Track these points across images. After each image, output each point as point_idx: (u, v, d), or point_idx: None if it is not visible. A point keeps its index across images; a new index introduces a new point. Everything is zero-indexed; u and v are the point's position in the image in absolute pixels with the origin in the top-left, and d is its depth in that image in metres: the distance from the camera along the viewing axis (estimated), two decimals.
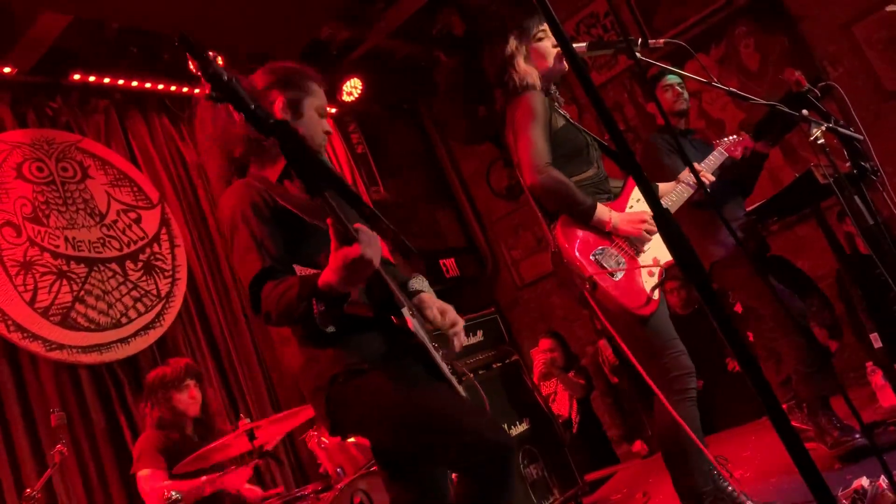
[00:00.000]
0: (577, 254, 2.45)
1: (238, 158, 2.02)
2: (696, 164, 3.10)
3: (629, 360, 2.51)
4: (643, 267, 2.53)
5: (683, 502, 2.53)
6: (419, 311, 2.07)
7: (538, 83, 2.69)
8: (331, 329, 1.78)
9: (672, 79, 3.68)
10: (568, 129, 2.66)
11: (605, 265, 2.46)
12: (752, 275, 3.41)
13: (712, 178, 3.14)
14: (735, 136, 3.40)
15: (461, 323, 2.13)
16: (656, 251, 2.59)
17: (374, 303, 1.94)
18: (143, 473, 3.32)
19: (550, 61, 2.72)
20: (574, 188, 2.55)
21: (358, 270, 1.65)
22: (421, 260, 6.18)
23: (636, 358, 2.42)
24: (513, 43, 2.71)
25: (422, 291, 2.15)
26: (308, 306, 1.69)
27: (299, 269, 1.76)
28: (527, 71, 2.69)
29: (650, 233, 2.58)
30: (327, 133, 2.10)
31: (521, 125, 2.60)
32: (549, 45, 2.72)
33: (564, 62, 2.71)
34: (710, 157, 3.28)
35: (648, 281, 2.51)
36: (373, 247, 1.66)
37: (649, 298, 2.47)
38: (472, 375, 4.00)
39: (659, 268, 2.53)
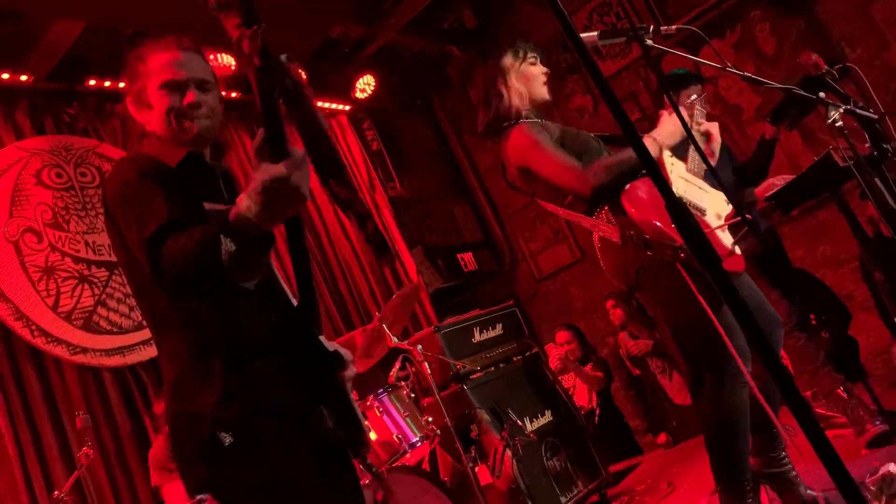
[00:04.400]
0: (659, 223, 2.32)
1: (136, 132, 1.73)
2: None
3: (694, 344, 2.48)
4: (719, 227, 2.46)
5: (717, 482, 2.50)
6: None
7: (525, 105, 2.67)
8: (248, 284, 1.49)
9: (694, 91, 3.63)
10: (565, 136, 2.62)
11: None
12: (752, 276, 3.39)
13: (717, 136, 3.02)
14: (696, 96, 3.30)
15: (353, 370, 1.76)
16: (716, 206, 2.55)
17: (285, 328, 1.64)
18: (166, 488, 3.34)
19: (538, 87, 2.69)
20: (615, 158, 2.48)
21: (281, 196, 1.34)
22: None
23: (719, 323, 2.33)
24: (508, 59, 2.68)
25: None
26: (215, 248, 1.34)
27: None
28: (516, 89, 2.67)
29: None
30: (191, 106, 1.67)
31: (534, 157, 2.54)
32: (538, 72, 2.70)
33: (546, 90, 2.69)
34: (695, 114, 3.21)
35: (726, 238, 2.46)
36: (302, 172, 1.36)
37: (731, 252, 2.42)
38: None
39: (726, 223, 2.48)
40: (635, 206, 2.38)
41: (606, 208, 2.50)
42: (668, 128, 2.54)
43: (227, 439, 1.49)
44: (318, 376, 1.62)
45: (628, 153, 2.45)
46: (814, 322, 3.94)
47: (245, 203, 1.35)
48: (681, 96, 3.63)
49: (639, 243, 2.39)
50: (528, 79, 2.69)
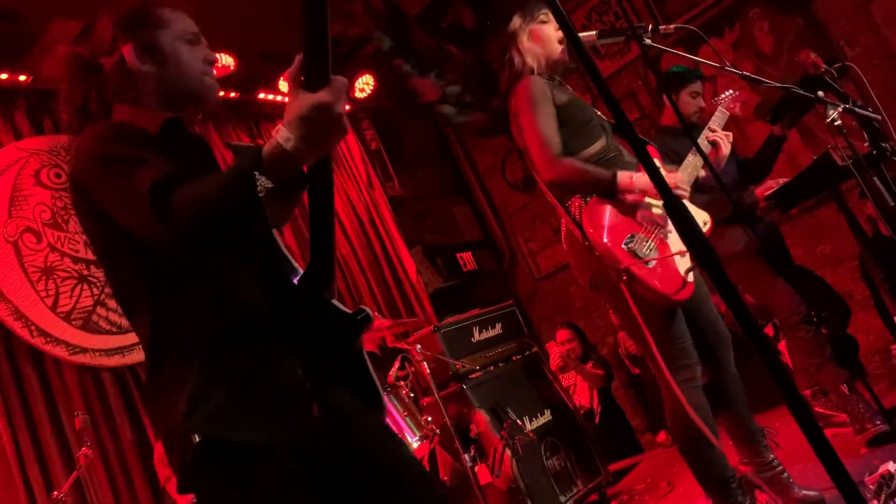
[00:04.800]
0: (608, 243, 2.39)
1: (99, 98, 1.51)
2: (709, 127, 3.03)
3: (647, 351, 2.49)
4: (675, 254, 2.47)
5: (705, 490, 2.52)
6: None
7: (540, 65, 2.67)
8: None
9: (698, 86, 3.64)
10: (572, 104, 2.61)
11: (639, 253, 2.40)
12: (752, 270, 3.40)
13: (726, 153, 3.04)
14: (731, 92, 3.31)
15: None
16: None
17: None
18: (173, 483, 3.34)
19: (551, 46, 2.68)
20: (589, 169, 2.50)
21: (323, 126, 1.25)
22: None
23: (656, 345, 2.38)
24: (517, 21, 2.70)
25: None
26: (250, 184, 1.20)
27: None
28: (529, 49, 2.67)
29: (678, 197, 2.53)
30: (210, 62, 1.59)
31: (524, 117, 2.57)
32: (551, 30, 2.69)
33: (561, 48, 2.69)
34: (714, 117, 3.20)
35: (682, 264, 2.47)
36: (343, 102, 1.29)
37: (685, 282, 2.43)
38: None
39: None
40: (591, 223, 2.44)
41: (578, 202, 2.52)
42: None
43: (200, 462, 1.30)
44: (324, 354, 1.46)
45: (600, 174, 2.49)
46: (815, 319, 3.94)
47: (284, 134, 1.23)
48: (681, 94, 3.63)
49: (591, 252, 2.45)
50: (539, 38, 2.69)
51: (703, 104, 3.67)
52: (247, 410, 1.33)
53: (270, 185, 1.22)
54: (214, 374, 1.33)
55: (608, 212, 2.47)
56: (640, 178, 2.50)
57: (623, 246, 2.40)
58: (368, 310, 1.52)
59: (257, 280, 1.43)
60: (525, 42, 2.68)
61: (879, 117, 2.84)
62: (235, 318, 1.38)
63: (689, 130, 3.28)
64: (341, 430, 1.45)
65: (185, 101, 1.56)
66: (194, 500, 1.38)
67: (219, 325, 1.36)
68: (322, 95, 1.24)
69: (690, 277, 2.45)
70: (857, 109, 2.76)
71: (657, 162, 2.68)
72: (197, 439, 1.28)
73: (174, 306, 1.37)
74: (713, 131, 2.98)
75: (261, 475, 1.31)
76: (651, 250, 2.44)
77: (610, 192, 2.48)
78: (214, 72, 1.60)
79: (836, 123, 2.65)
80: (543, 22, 2.70)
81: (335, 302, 1.51)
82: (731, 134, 3.02)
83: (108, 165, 1.33)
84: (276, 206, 1.28)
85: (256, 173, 1.21)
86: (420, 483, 1.51)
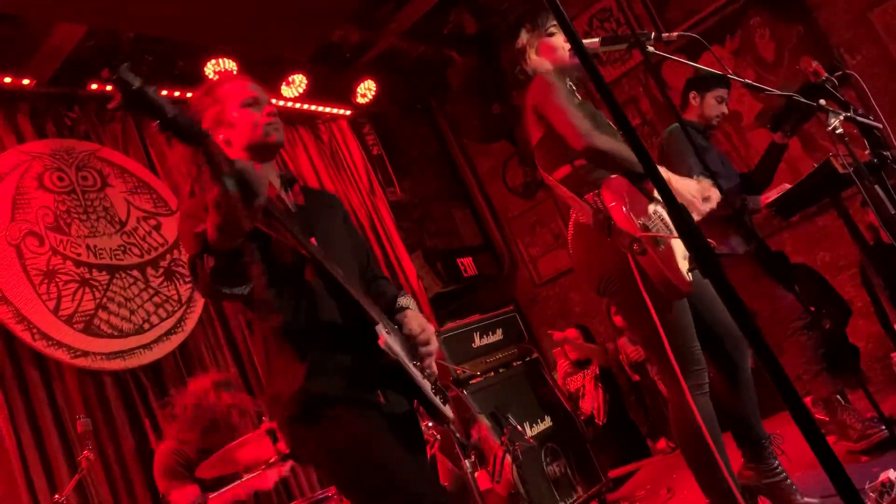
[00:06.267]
0: (628, 212, 2.37)
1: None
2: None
3: (654, 353, 2.49)
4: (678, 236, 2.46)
5: (707, 496, 2.52)
6: (400, 327, 2.01)
7: (550, 73, 2.68)
8: (276, 317, 1.82)
9: (724, 92, 3.69)
10: (585, 106, 2.62)
11: (654, 231, 2.40)
12: (753, 276, 3.40)
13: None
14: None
15: (435, 344, 2.05)
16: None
17: (347, 320, 1.88)
18: (173, 495, 3.34)
19: (562, 55, 2.68)
20: (625, 149, 2.48)
21: (225, 210, 1.49)
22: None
23: (666, 337, 2.36)
24: (524, 37, 2.70)
25: (407, 308, 2.08)
26: (199, 269, 1.62)
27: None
28: (539, 63, 2.68)
29: (696, 208, 2.54)
30: (272, 115, 1.98)
31: (547, 100, 2.54)
32: (560, 40, 2.69)
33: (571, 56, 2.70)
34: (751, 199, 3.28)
35: (682, 264, 2.48)
36: (244, 180, 1.50)
37: (684, 277, 2.44)
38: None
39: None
40: (612, 193, 2.43)
41: (604, 188, 2.49)
42: (684, 182, 2.58)
43: (298, 420, 1.82)
44: (378, 364, 1.85)
45: (629, 151, 2.45)
46: (812, 309, 3.95)
47: (207, 224, 1.55)
48: (707, 96, 3.66)
49: (604, 226, 2.42)
50: (549, 49, 2.69)
51: (725, 110, 3.71)
52: (332, 376, 1.84)
53: (212, 264, 1.60)
54: (312, 363, 1.84)
55: (623, 189, 2.46)
56: (673, 177, 2.54)
57: (639, 221, 2.40)
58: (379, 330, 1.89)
59: (320, 307, 1.89)
60: (534, 57, 2.68)
61: (880, 125, 2.85)
62: (313, 328, 1.87)
63: (694, 143, 3.30)
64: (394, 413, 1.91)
65: (253, 154, 1.96)
66: (287, 433, 1.90)
67: (302, 334, 1.86)
68: (215, 189, 1.49)
69: (690, 276, 2.45)
70: (858, 118, 2.77)
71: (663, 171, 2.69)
72: (309, 396, 1.81)
73: (268, 319, 1.86)
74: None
75: (349, 417, 1.82)
76: (663, 231, 2.44)
77: (639, 174, 2.47)
78: (276, 121, 1.99)
79: (837, 131, 2.66)
80: (552, 34, 2.69)
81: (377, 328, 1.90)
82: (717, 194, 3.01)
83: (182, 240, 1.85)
84: (226, 277, 1.64)
85: (206, 254, 1.60)
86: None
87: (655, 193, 2.48)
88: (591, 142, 2.45)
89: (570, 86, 2.69)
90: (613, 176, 2.47)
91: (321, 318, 1.86)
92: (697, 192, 2.55)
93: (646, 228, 2.39)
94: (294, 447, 1.89)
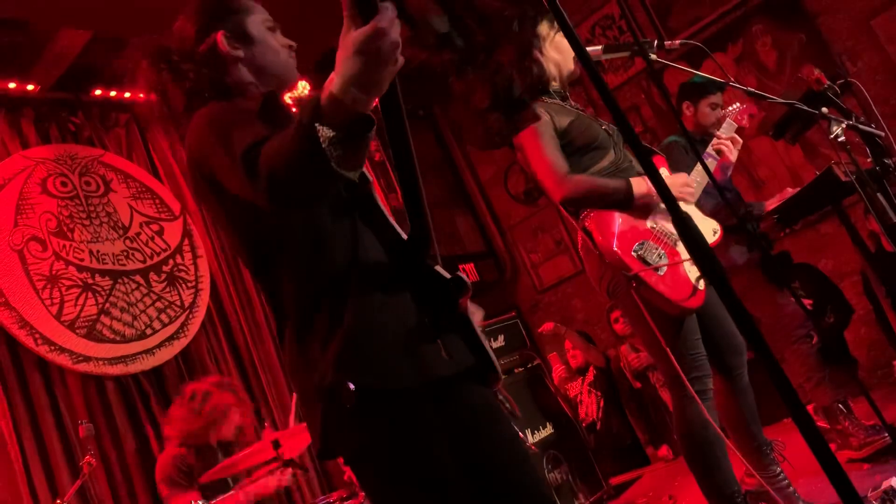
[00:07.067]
0: (618, 250, 2.40)
1: (196, 88, 1.60)
2: (717, 134, 3.08)
3: (660, 359, 2.49)
4: (685, 260, 2.47)
5: (710, 503, 2.52)
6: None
7: (559, 75, 2.69)
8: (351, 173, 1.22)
9: (718, 98, 3.67)
10: (575, 125, 2.61)
11: (649, 260, 2.41)
12: (754, 285, 3.40)
13: (732, 160, 3.06)
14: (738, 105, 3.33)
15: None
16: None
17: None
18: (174, 501, 3.34)
19: (569, 58, 2.69)
20: (602, 182, 2.51)
21: (374, 55, 1.16)
22: None
23: (672, 354, 2.37)
24: (545, 26, 2.68)
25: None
26: (312, 140, 1.16)
27: None
28: (552, 57, 2.68)
29: (688, 192, 2.58)
30: (291, 47, 1.70)
31: (530, 147, 2.58)
32: (566, 44, 2.71)
33: (574, 63, 2.71)
34: (722, 129, 3.22)
35: (692, 271, 2.47)
36: (396, 27, 1.19)
37: (695, 289, 2.43)
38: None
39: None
40: (600, 230, 2.46)
41: (593, 224, 2.52)
42: (671, 181, 2.59)
43: (345, 405, 1.35)
44: (434, 308, 1.52)
45: (614, 185, 2.50)
46: (813, 303, 3.95)
47: (335, 81, 1.17)
48: (700, 104, 3.66)
49: (602, 261, 2.46)
50: (561, 50, 2.70)
51: (720, 117, 3.70)
52: (389, 357, 1.41)
53: (332, 135, 1.16)
54: (357, 328, 1.40)
55: (617, 219, 2.48)
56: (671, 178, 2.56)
57: (633, 253, 2.41)
58: (465, 277, 1.58)
59: (376, 239, 1.56)
60: (549, 49, 2.69)
61: (882, 133, 2.85)
62: (366, 274, 1.46)
63: (694, 145, 3.30)
64: (461, 380, 1.50)
65: (274, 82, 1.65)
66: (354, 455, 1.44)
67: (351, 282, 1.44)
68: (370, 26, 1.15)
69: (701, 285, 2.45)
70: (860, 125, 2.78)
71: (665, 171, 2.70)
72: (352, 387, 1.34)
73: (311, 269, 1.45)
74: (719, 137, 3.00)
75: (404, 420, 1.39)
76: (660, 257, 2.44)
77: (627, 201, 2.49)
78: (294, 54, 1.70)
79: (839, 139, 2.66)
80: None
81: (438, 268, 1.60)
82: (739, 141, 3.04)
83: (217, 140, 1.38)
84: (345, 155, 1.19)
85: (317, 124, 1.17)
86: (515, 470, 1.51)
87: (657, 198, 2.50)
88: (565, 194, 2.49)
89: (562, 104, 2.69)
90: (593, 215, 2.51)
91: (371, 258, 1.52)
92: (683, 184, 2.59)
93: (641, 259, 2.41)
94: (331, 437, 1.43)
